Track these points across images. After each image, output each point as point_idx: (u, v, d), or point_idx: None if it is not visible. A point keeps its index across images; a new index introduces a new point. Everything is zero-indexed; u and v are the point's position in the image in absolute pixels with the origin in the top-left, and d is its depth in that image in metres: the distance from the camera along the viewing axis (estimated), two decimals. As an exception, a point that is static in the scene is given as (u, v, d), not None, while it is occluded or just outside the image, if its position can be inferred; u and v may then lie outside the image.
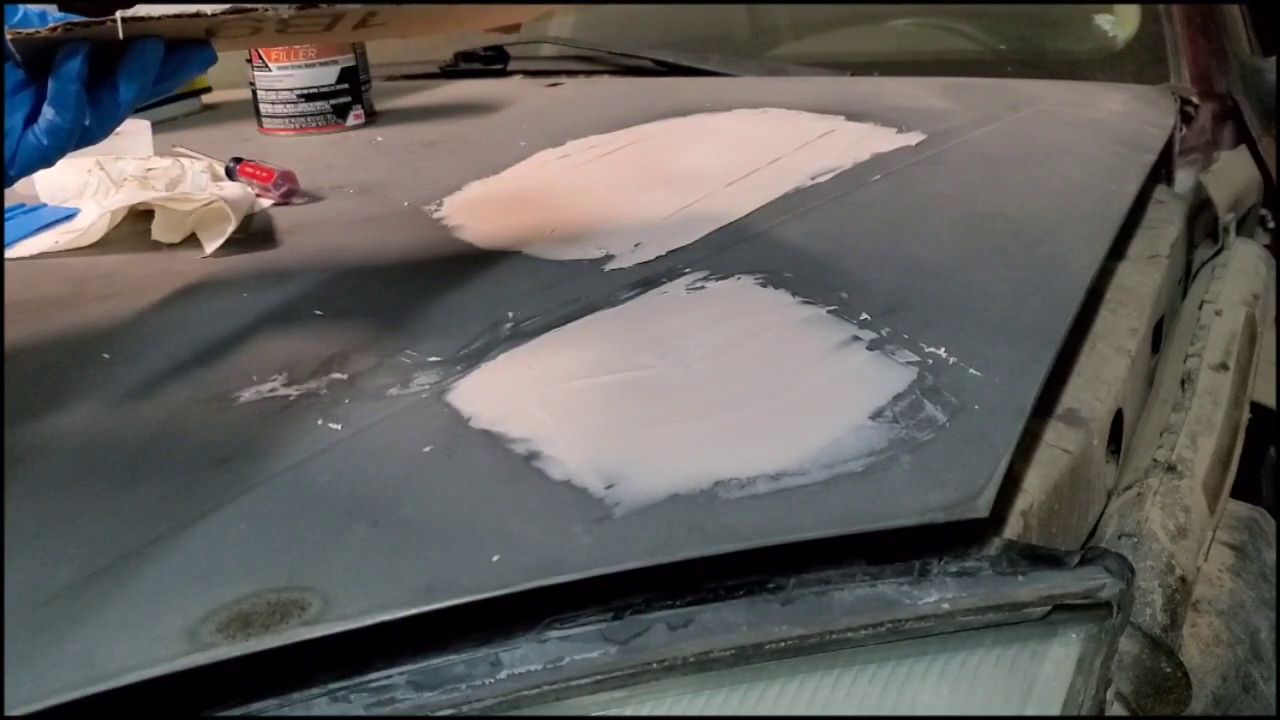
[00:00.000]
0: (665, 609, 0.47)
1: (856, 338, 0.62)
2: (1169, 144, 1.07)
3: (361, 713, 0.43)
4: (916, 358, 0.60)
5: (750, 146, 0.99)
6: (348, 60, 1.23)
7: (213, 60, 0.65)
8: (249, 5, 0.61)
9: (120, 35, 0.58)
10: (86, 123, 0.60)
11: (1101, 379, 0.69)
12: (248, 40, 0.69)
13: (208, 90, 1.44)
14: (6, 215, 0.92)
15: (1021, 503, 0.55)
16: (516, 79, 1.48)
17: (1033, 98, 1.13)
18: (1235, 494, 0.78)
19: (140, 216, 0.87)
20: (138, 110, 1.20)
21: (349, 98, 1.23)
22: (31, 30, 0.57)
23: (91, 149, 1.01)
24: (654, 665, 0.45)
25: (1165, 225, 0.97)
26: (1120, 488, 0.68)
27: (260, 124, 1.25)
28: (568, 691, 0.45)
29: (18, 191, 1.00)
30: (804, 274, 0.71)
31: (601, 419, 0.56)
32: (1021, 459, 0.57)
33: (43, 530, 0.50)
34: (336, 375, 0.62)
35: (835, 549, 0.49)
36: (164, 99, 1.35)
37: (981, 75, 1.25)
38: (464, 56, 1.54)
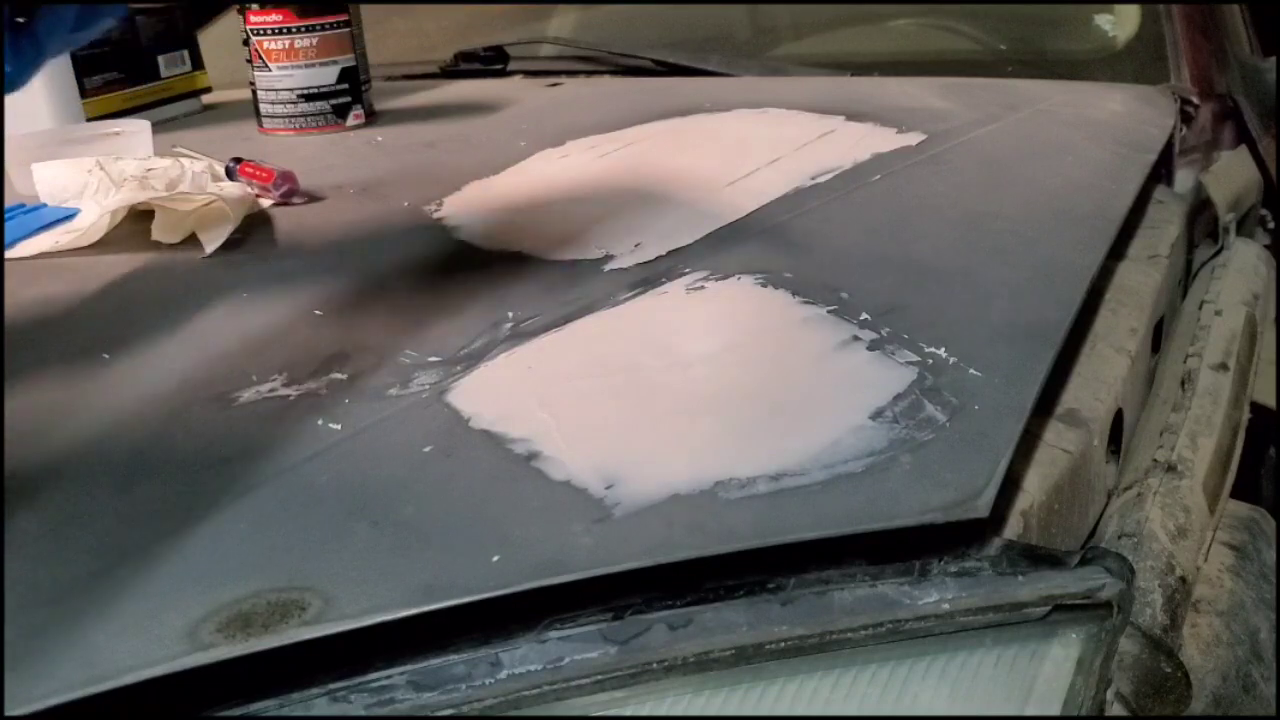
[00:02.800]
0: (665, 609, 0.47)
1: (856, 338, 0.62)
2: (1169, 144, 1.07)
3: (361, 713, 0.43)
4: (916, 358, 0.60)
5: (750, 146, 0.99)
6: (348, 60, 1.23)
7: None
8: None
9: None
10: (9, 69, 0.62)
11: (1101, 379, 0.69)
12: None
13: (208, 90, 1.44)
14: (6, 215, 0.92)
15: (1021, 503, 0.55)
16: (516, 79, 1.48)
17: (1033, 98, 1.13)
18: (1235, 494, 0.78)
19: (140, 216, 0.87)
20: (136, 111, 1.20)
21: (349, 98, 1.23)
22: None
23: (90, 148, 1.01)
24: (654, 665, 0.45)
25: (1165, 225, 0.97)
26: (1120, 488, 0.68)
27: (260, 124, 1.25)
28: (568, 691, 0.45)
29: (18, 192, 1.00)
30: (804, 274, 0.71)
31: (601, 419, 0.57)
32: (1021, 459, 0.57)
33: (43, 530, 0.50)
34: (336, 375, 0.62)
35: (835, 549, 0.49)
36: (163, 100, 1.35)
37: (981, 75, 1.25)
38: (464, 56, 1.54)
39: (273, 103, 1.23)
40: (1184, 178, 1.14)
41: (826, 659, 0.47)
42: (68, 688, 0.42)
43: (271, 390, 0.61)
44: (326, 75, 1.22)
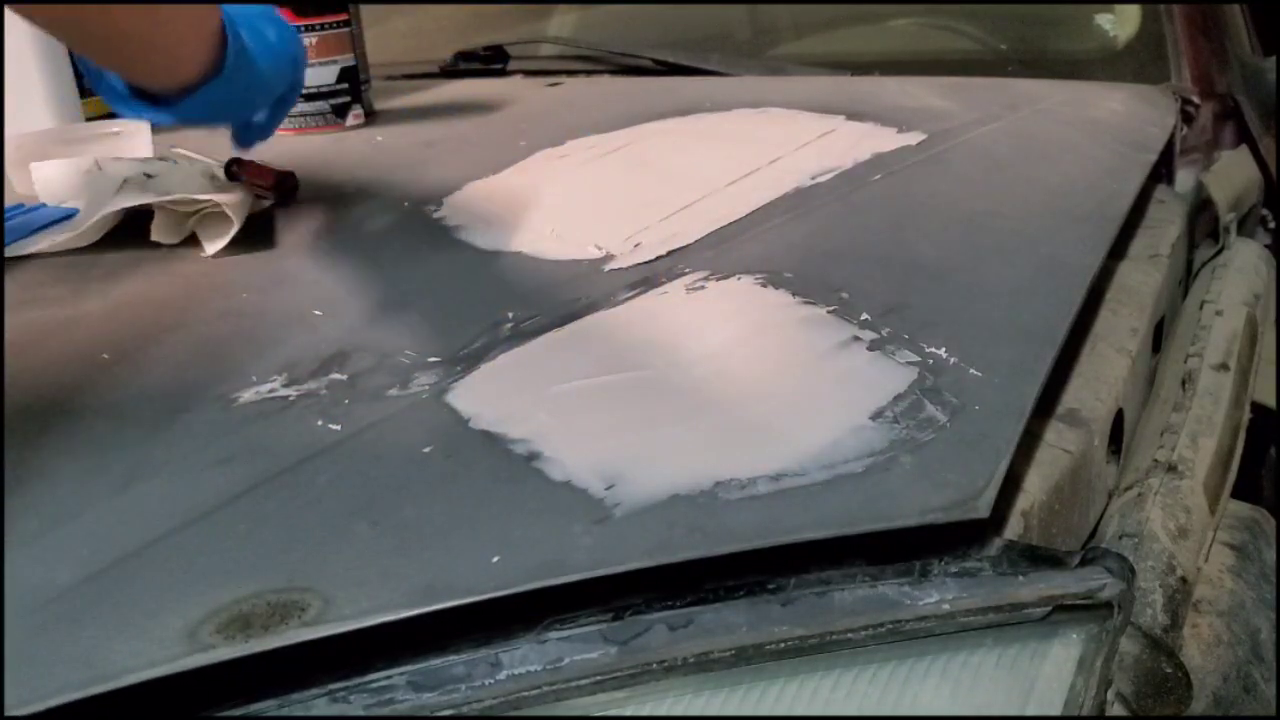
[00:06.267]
0: (665, 609, 0.47)
1: (857, 338, 0.62)
2: (1169, 143, 1.07)
3: (361, 713, 0.43)
4: (917, 358, 0.60)
5: (750, 146, 0.99)
6: (347, 60, 1.23)
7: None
8: None
9: None
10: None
11: (1102, 379, 0.69)
12: None
13: (208, 90, 1.44)
14: (6, 215, 0.92)
15: (1022, 503, 0.55)
16: (516, 79, 1.48)
17: (1033, 97, 1.13)
18: (1236, 494, 0.78)
19: (140, 216, 0.87)
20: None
21: (348, 97, 1.23)
22: None
23: (90, 148, 1.01)
24: (654, 666, 0.45)
25: (1166, 225, 0.97)
26: (1121, 488, 0.68)
27: (260, 124, 1.24)
28: (568, 692, 0.45)
29: (17, 191, 1.00)
30: (804, 274, 0.71)
31: (601, 419, 0.56)
32: (1022, 459, 0.57)
33: (43, 530, 0.50)
34: (336, 375, 0.62)
35: (835, 549, 0.49)
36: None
37: (982, 75, 1.25)
38: (464, 56, 1.54)
39: (273, 103, 1.22)
40: (1184, 177, 1.14)
41: (827, 659, 0.47)
42: (68, 688, 0.42)
43: (271, 390, 0.61)
44: (326, 75, 1.22)
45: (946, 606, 0.47)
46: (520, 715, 0.45)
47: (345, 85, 1.23)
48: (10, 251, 0.85)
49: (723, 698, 0.46)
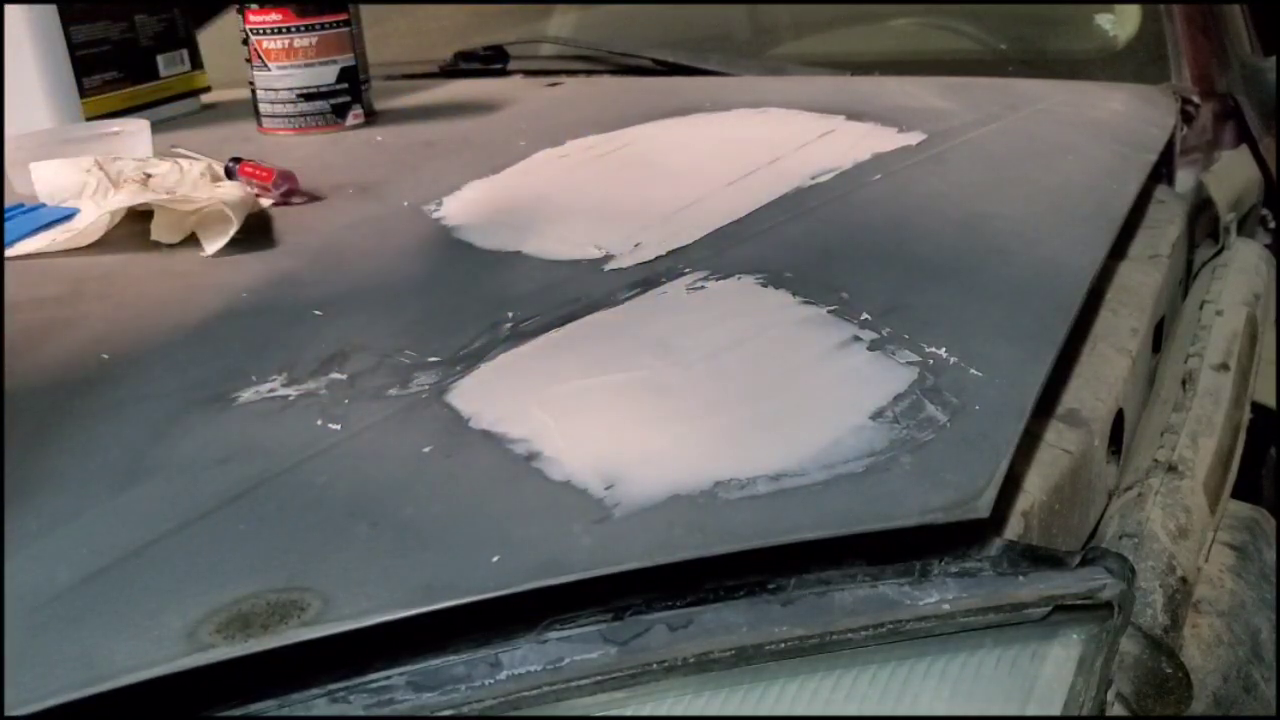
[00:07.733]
0: (665, 609, 0.47)
1: (857, 338, 0.62)
2: (1170, 144, 1.07)
3: (361, 713, 0.43)
4: (917, 358, 0.60)
5: (750, 146, 0.99)
6: (347, 60, 1.23)
7: None
8: None
9: None
10: None
11: (1102, 379, 0.69)
12: None
13: (206, 90, 1.44)
14: (6, 215, 0.92)
15: (1022, 503, 0.55)
16: (516, 79, 1.48)
17: (1033, 97, 1.13)
18: (1236, 494, 0.78)
19: (140, 216, 0.87)
20: (134, 110, 1.20)
21: (348, 97, 1.23)
22: None
23: (89, 148, 1.01)
24: (654, 666, 0.45)
25: (1166, 225, 0.97)
26: (1121, 488, 0.68)
27: (260, 124, 1.25)
28: (568, 692, 0.45)
29: (16, 191, 1.00)
30: (804, 274, 0.71)
31: (601, 419, 0.56)
32: (1022, 459, 0.57)
33: (43, 530, 0.50)
34: (336, 375, 0.62)
35: (835, 549, 0.49)
36: (162, 99, 1.35)
37: (982, 75, 1.25)
38: (464, 56, 1.54)
39: (272, 102, 1.22)
40: (1185, 177, 1.14)
41: (827, 659, 0.47)
42: (68, 688, 0.42)
43: (271, 390, 0.61)
44: (326, 75, 1.22)
45: (946, 606, 0.47)
46: (520, 715, 0.45)
47: (345, 85, 1.23)
48: (10, 251, 0.85)
49: (723, 698, 0.46)
